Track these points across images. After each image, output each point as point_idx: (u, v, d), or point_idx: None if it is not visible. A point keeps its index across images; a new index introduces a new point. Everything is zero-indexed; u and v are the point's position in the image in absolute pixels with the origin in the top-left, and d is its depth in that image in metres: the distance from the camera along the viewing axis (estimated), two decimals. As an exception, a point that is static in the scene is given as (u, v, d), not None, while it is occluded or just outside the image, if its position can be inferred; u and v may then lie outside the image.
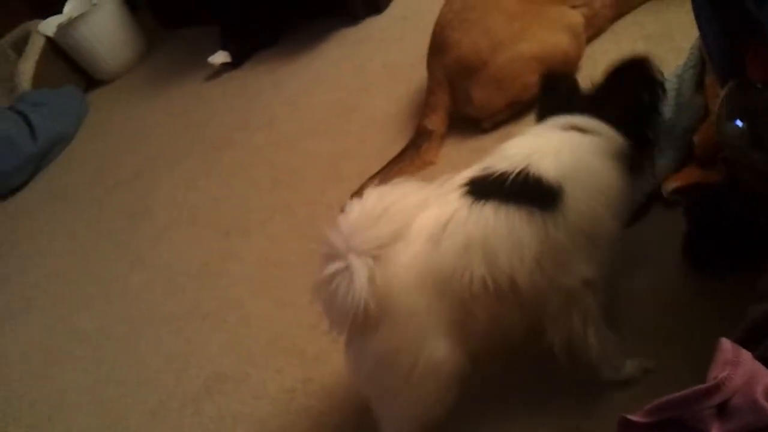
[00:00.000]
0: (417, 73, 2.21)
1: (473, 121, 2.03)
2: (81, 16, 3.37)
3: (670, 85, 1.68)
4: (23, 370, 2.07)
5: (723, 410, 0.75)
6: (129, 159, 2.86)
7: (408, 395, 1.20)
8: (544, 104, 1.34)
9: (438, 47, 2.01)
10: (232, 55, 3.02)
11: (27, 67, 3.42)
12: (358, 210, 1.10)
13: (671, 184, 1.55)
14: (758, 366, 0.77)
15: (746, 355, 0.79)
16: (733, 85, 1.25)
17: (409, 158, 2.02)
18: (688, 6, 1.26)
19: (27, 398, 1.96)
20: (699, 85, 1.63)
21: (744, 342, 0.82)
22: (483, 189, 1.16)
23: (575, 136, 1.22)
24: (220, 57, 3.02)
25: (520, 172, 1.16)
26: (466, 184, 1.18)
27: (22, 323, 2.26)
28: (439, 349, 1.16)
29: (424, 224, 1.15)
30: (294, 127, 2.50)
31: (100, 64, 3.53)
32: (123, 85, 3.49)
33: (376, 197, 1.10)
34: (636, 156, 1.25)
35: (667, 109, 1.64)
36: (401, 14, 2.77)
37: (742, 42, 1.20)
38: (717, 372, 0.76)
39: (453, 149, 2.03)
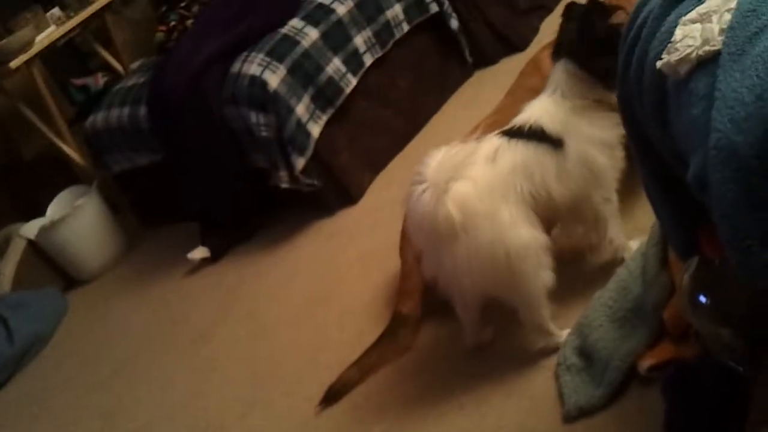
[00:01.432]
0: (390, 261, 2.25)
1: (448, 304, 2.04)
2: (63, 219, 3.45)
3: (635, 263, 1.72)
4: None
5: None
6: (107, 358, 2.83)
7: (516, 275, 1.63)
8: (562, 35, 1.84)
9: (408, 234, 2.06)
10: (211, 250, 3.07)
11: (7, 270, 3.44)
12: (435, 157, 1.57)
13: (646, 362, 1.55)
14: None
15: None
16: (693, 262, 1.29)
17: (387, 345, 2.02)
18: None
19: None
20: (663, 261, 1.67)
21: None
22: (512, 134, 1.71)
23: (561, 102, 1.75)
24: (199, 252, 3.07)
25: (531, 125, 1.71)
26: (500, 133, 1.72)
27: None
28: (520, 234, 1.62)
29: (479, 154, 1.66)
30: (272, 318, 2.51)
31: (80, 265, 3.56)
32: (103, 284, 3.51)
33: (443, 150, 1.60)
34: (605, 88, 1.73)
35: (635, 286, 1.68)
36: (373, 205, 2.86)
37: (695, 221, 1.24)
38: None
39: (430, 334, 2.03)
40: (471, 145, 1.67)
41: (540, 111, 1.76)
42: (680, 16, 1.01)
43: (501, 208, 1.62)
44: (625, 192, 2.10)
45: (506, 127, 1.77)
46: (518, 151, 1.68)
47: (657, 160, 1.16)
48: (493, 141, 1.71)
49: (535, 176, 1.67)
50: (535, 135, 1.71)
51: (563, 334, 1.74)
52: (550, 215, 1.75)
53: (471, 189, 1.60)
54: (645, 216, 1.95)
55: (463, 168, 1.61)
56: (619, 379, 1.55)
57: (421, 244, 1.73)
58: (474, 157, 1.64)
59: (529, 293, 1.68)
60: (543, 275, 1.66)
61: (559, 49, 1.82)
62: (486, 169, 1.65)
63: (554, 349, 1.73)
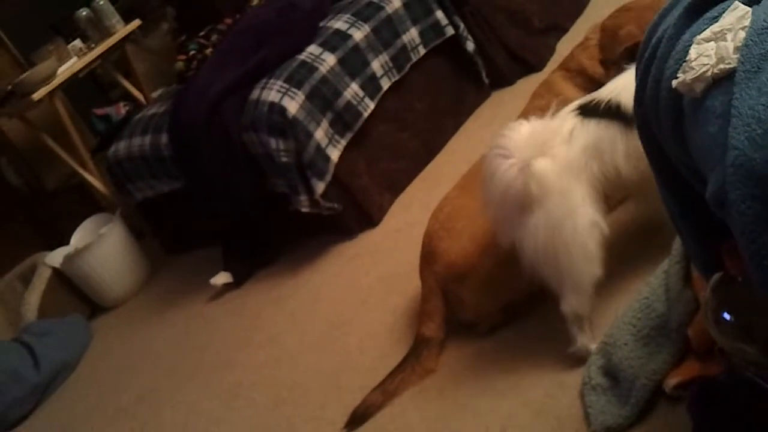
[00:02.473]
0: (412, 283, 2.26)
1: (470, 325, 2.05)
2: (87, 247, 3.48)
3: (658, 281, 1.71)
4: None
5: None
6: (131, 385, 2.85)
7: (576, 253, 1.68)
8: None
9: (428, 257, 2.06)
10: (234, 275, 3.09)
11: (33, 299, 3.49)
12: (519, 132, 1.67)
13: (672, 380, 1.54)
14: None
15: None
16: (716, 279, 1.28)
17: (410, 367, 2.02)
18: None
19: None
20: (686, 278, 1.66)
21: None
22: (587, 111, 1.77)
23: None
24: (221, 278, 3.09)
25: (608, 101, 1.76)
26: (576, 109, 1.79)
27: None
28: (588, 214, 1.69)
29: (557, 132, 1.73)
30: (295, 342, 2.51)
31: (105, 292, 3.60)
32: (127, 311, 3.54)
33: (526, 125, 1.69)
34: None
35: (658, 304, 1.67)
36: (394, 227, 2.86)
37: (717, 238, 1.24)
38: None
39: (453, 355, 2.03)
40: (553, 122, 1.75)
41: (625, 83, 1.79)
42: (694, 35, 1.02)
43: (575, 186, 1.69)
44: (645, 209, 2.10)
45: (584, 102, 1.82)
46: (590, 132, 1.74)
47: (676, 177, 1.16)
48: (570, 120, 1.77)
49: (605, 155, 1.73)
50: (610, 112, 1.76)
51: (593, 346, 1.74)
52: (618, 192, 1.83)
53: (550, 167, 1.67)
54: (667, 232, 1.94)
55: (547, 146, 1.68)
56: (646, 398, 1.54)
57: (498, 216, 1.77)
58: (555, 135, 1.72)
59: (582, 275, 1.71)
60: (598, 262, 1.71)
61: None
62: (563, 148, 1.71)
63: (583, 358, 1.73)
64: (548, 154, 1.68)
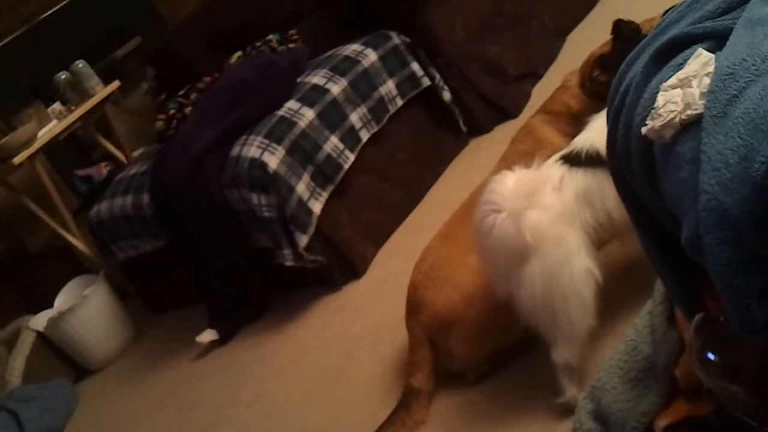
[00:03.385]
0: (399, 333, 2.25)
1: (459, 374, 2.04)
2: (71, 309, 3.45)
3: (643, 322, 1.72)
4: None
5: None
6: (119, 449, 2.80)
7: (573, 301, 1.68)
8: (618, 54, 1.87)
9: (413, 307, 2.06)
10: (220, 332, 3.07)
11: (17, 364, 3.44)
12: (505, 184, 1.67)
13: (662, 422, 1.53)
14: None
15: None
16: (699, 319, 1.29)
17: (400, 420, 2.00)
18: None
19: None
20: (670, 319, 1.66)
21: None
22: (571, 160, 1.79)
23: None
24: (207, 335, 3.07)
25: (588, 150, 1.79)
26: (561, 158, 1.81)
27: None
28: (584, 260, 1.69)
29: (546, 181, 1.74)
30: (283, 398, 2.49)
31: (90, 354, 3.56)
32: (113, 372, 3.50)
33: (512, 176, 1.69)
34: None
35: (644, 345, 1.67)
36: (379, 278, 2.86)
37: (696, 279, 1.25)
38: None
39: (443, 405, 2.02)
40: (539, 172, 1.76)
41: (596, 132, 1.81)
42: (661, 82, 1.04)
43: (569, 234, 1.71)
44: (629, 248, 2.11)
45: (567, 151, 1.83)
46: (579, 180, 1.76)
47: (652, 221, 1.17)
48: (557, 169, 1.79)
49: (596, 203, 1.75)
50: (592, 160, 1.77)
51: (582, 396, 1.73)
52: (608, 235, 1.84)
53: (543, 216, 1.68)
54: (650, 273, 1.95)
55: (536, 195, 1.70)
56: (639, 444, 1.53)
57: (494, 270, 1.77)
58: (543, 184, 1.73)
59: (577, 324, 1.70)
60: (593, 311, 1.71)
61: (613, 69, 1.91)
62: (554, 197, 1.73)
63: (572, 408, 1.71)
64: (539, 203, 1.69)
